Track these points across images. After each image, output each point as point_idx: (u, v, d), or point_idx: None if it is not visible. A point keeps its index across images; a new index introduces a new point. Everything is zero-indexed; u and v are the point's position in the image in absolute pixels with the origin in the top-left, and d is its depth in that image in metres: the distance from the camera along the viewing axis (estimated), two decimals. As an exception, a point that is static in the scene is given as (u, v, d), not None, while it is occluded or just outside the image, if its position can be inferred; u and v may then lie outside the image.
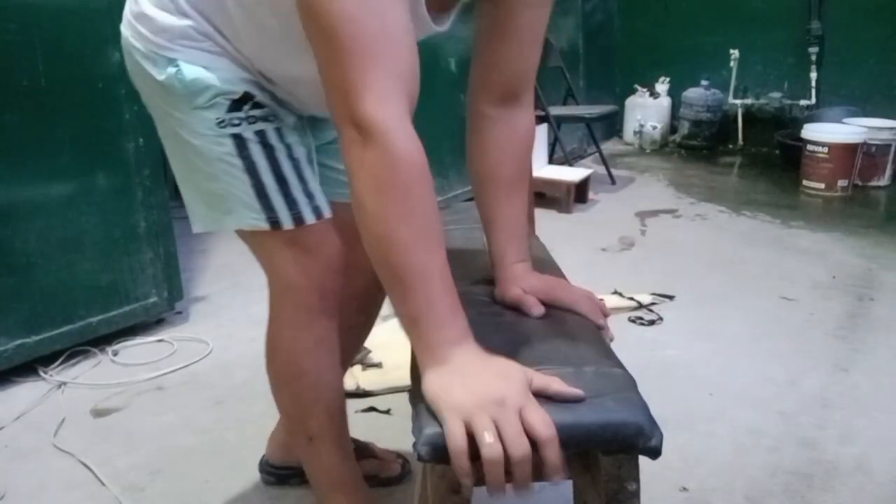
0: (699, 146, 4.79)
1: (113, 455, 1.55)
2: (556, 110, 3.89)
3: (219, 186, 1.00)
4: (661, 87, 4.92)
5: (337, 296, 1.09)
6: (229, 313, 2.28)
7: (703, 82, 4.69)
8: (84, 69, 1.84)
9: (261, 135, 0.98)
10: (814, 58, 4.38)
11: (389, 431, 1.61)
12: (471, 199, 1.14)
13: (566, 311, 1.00)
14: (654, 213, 3.42)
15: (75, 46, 1.82)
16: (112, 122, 1.92)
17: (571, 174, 3.56)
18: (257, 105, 0.98)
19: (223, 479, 1.45)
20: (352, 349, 1.39)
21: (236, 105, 0.96)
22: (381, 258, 0.76)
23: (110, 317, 2.02)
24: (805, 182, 3.78)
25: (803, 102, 4.48)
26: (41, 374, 1.89)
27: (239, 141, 0.97)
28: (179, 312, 2.25)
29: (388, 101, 0.74)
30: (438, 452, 0.72)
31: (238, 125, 0.96)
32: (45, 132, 1.80)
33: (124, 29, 1.00)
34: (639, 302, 2.29)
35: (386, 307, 2.17)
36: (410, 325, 0.76)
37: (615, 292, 2.34)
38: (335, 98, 0.77)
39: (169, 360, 1.96)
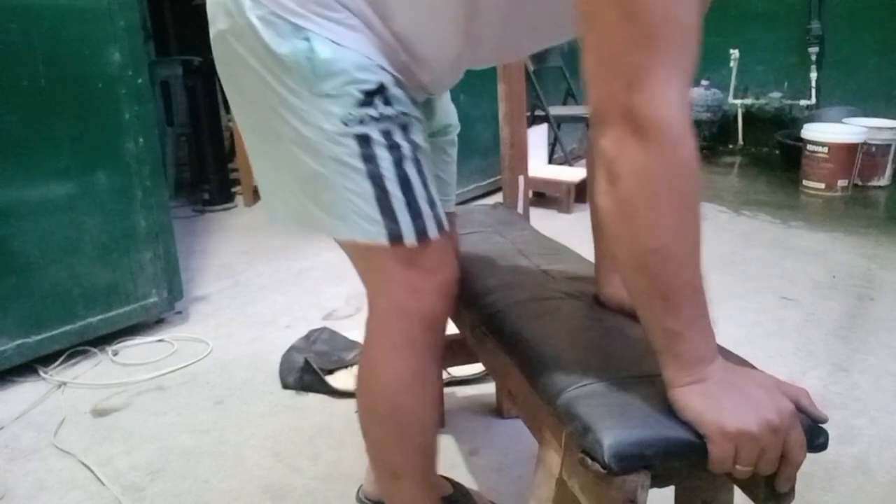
0: (699, 146, 4.77)
1: (113, 455, 1.55)
2: (556, 110, 3.89)
3: (325, 186, 0.83)
4: (661, 86, 4.91)
5: (444, 325, 0.96)
6: (229, 313, 2.28)
7: (703, 82, 4.69)
8: (84, 69, 1.84)
9: (387, 135, 0.82)
10: (814, 58, 4.38)
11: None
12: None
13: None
14: (654, 213, 3.41)
15: (75, 46, 1.82)
16: (112, 122, 1.92)
17: (571, 174, 3.56)
18: (388, 102, 0.82)
19: (223, 479, 1.45)
20: None
21: (368, 99, 0.80)
22: (647, 271, 0.68)
23: (110, 317, 2.02)
24: (805, 182, 3.78)
25: (803, 102, 4.48)
26: (41, 374, 1.89)
27: (364, 142, 0.81)
28: (179, 312, 2.25)
29: (678, 99, 0.66)
30: (625, 463, 0.68)
31: (366, 124, 0.81)
32: (45, 132, 1.80)
33: None
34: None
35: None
36: (669, 340, 0.70)
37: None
38: (608, 86, 0.66)
39: (169, 360, 1.96)
